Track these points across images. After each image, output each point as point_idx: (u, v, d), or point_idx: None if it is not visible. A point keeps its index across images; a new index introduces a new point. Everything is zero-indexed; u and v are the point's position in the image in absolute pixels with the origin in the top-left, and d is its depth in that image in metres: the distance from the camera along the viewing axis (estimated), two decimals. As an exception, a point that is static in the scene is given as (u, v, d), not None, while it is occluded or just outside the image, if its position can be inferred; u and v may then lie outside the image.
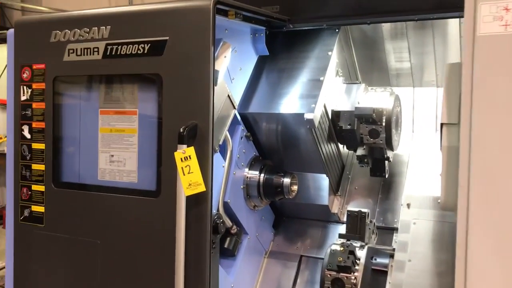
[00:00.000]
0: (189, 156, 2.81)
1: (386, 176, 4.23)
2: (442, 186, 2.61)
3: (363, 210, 3.40)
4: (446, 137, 2.59)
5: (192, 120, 2.94)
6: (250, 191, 3.93)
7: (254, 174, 3.95)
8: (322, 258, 4.14)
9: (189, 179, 2.80)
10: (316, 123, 3.67)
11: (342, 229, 4.32)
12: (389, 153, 4.09)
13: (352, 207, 4.33)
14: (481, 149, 2.29)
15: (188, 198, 2.85)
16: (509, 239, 2.28)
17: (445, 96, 2.65)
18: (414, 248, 2.82)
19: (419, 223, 2.93)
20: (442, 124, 2.62)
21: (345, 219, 4.31)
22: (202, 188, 2.83)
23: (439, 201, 2.66)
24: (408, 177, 4.44)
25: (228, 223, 3.73)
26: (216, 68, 3.09)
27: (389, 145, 3.95)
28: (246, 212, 3.97)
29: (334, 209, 4.30)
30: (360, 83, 4.18)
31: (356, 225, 3.34)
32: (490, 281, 2.30)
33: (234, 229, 3.80)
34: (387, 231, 4.17)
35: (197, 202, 2.88)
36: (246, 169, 3.94)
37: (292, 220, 4.55)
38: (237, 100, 3.80)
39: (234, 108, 3.71)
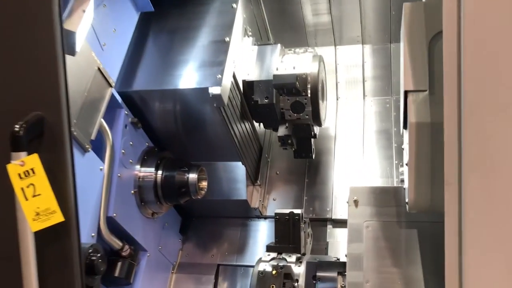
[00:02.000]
0: (32, 169, 1.77)
1: (313, 156, 3.46)
2: (410, 180, 1.84)
3: (296, 211, 2.59)
4: (414, 111, 1.82)
5: (34, 111, 1.87)
6: (145, 196, 2.96)
7: (148, 172, 2.97)
8: (245, 266, 3.36)
9: (35, 206, 1.77)
10: (225, 100, 2.76)
11: (265, 226, 3.53)
12: (316, 129, 3.30)
13: (276, 199, 3.56)
14: (477, 127, 1.52)
15: (39, 234, 1.82)
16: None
17: (407, 51, 1.85)
18: (372, 263, 2.08)
19: (374, 227, 2.18)
20: (406, 92, 1.83)
21: (267, 213, 3.53)
22: (58, 217, 1.81)
23: (406, 200, 1.89)
24: (337, 155, 3.71)
25: (117, 244, 2.75)
26: (68, 28, 2.04)
27: (316, 119, 3.16)
28: (141, 224, 3.00)
29: (254, 203, 3.48)
30: (274, 43, 3.30)
31: (288, 232, 2.53)
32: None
33: (126, 250, 2.82)
34: (320, 223, 3.44)
35: (54, 238, 1.86)
36: (137, 167, 2.95)
37: (204, 221, 3.66)
38: (114, 74, 2.77)
39: (110, 86, 2.68)
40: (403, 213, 2.22)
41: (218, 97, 2.71)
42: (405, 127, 1.92)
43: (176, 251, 3.51)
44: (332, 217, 3.40)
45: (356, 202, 2.30)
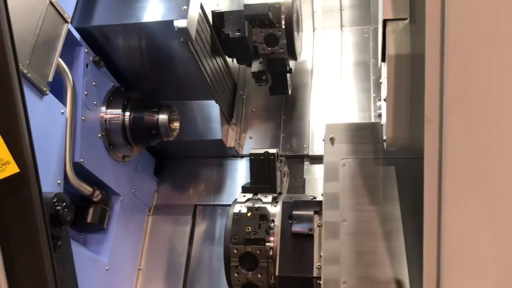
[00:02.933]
0: (-23, 116, 1.61)
1: (289, 92, 3.32)
2: (388, 116, 1.73)
3: (271, 150, 2.48)
4: (393, 41, 1.67)
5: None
6: (113, 139, 2.82)
7: (115, 114, 2.82)
8: (222, 205, 3.31)
9: (-15, 157, 1.63)
10: (193, 34, 2.56)
11: (242, 164, 3.46)
12: (291, 63, 3.14)
13: (253, 138, 3.45)
14: (462, 59, 1.39)
15: (-5, 188, 1.69)
16: (497, 190, 1.49)
17: (386, -25, 1.67)
18: (348, 202, 2.01)
19: (350, 164, 2.10)
20: (385, 21, 1.68)
21: (244, 151, 3.44)
22: (13, 168, 1.67)
23: (384, 137, 1.80)
24: (314, 90, 3.58)
25: (87, 190, 2.64)
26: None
27: (292, 53, 2.99)
28: (112, 168, 2.88)
29: (230, 142, 3.37)
30: (244, -30, 3.05)
31: (264, 172, 2.44)
32: (472, 246, 1.54)
33: (97, 196, 2.72)
34: (297, 160, 3.37)
35: (11, 191, 1.73)
36: (103, 109, 2.79)
37: (179, 162, 3.56)
38: (69, 8, 2.53)
39: (66, 21, 2.46)
40: (381, 150, 2.13)
41: (184, 31, 2.52)
42: (383, 59, 1.78)
43: (151, 193, 3.43)
44: (309, 154, 3.33)
45: (332, 140, 2.20)
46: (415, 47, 1.66)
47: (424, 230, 1.55)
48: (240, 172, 3.43)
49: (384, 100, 1.75)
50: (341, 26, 3.75)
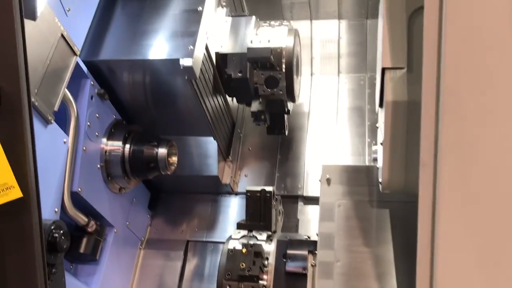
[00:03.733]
0: (-13, 141, 1.66)
1: (286, 133, 3.41)
2: (384, 160, 1.80)
3: (267, 188, 2.53)
4: (390, 89, 1.76)
5: (-12, 79, 1.75)
6: (112, 170, 2.85)
7: (116, 146, 2.87)
8: (214, 242, 3.32)
9: (-9, 181, 1.66)
10: (197, 72, 2.65)
11: (236, 202, 3.49)
12: (289, 105, 3.24)
13: (248, 176, 3.50)
14: (456, 107, 1.48)
15: (-4, 211, 1.72)
16: (491, 234, 1.55)
17: (386, 26, 1.79)
18: (342, 243, 2.05)
19: (345, 206, 2.15)
20: (383, 70, 1.77)
21: (239, 189, 3.48)
22: (16, 193, 1.71)
23: (380, 180, 1.86)
24: (310, 132, 3.67)
25: (82, 220, 2.65)
26: (27, -11, 1.90)
27: (290, 95, 3.09)
28: (108, 199, 2.90)
29: (226, 179, 3.42)
30: (248, 15, 3.19)
31: (259, 210, 2.48)
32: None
33: (92, 226, 2.73)
34: (291, 200, 3.41)
35: (12, 215, 1.76)
36: (104, 140, 2.84)
37: (174, 196, 3.59)
38: (79, 42, 2.62)
39: (75, 54, 2.54)
40: (376, 193, 2.19)
41: (189, 69, 2.61)
42: (381, 105, 1.87)
43: (144, 226, 3.44)
44: (304, 194, 3.37)
45: (328, 181, 2.26)
46: (412, 95, 1.75)
47: (417, 274, 1.59)
48: (233, 209, 3.46)
49: (381, 144, 1.82)
50: (338, 72, 3.89)
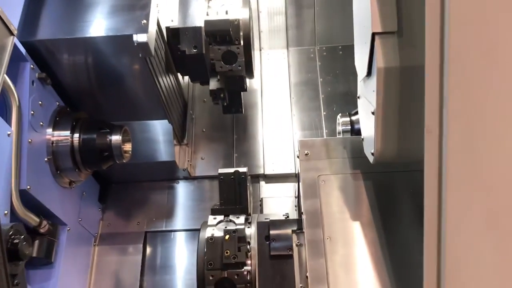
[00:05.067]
0: None
1: (243, 111, 3.27)
2: (377, 129, 1.73)
3: (241, 169, 2.39)
4: (382, 54, 1.68)
5: None
6: (61, 163, 2.57)
7: (63, 135, 2.58)
8: (176, 231, 3.14)
9: None
10: (152, 49, 2.43)
11: (194, 186, 3.32)
12: (247, 82, 3.10)
13: (205, 158, 3.34)
14: (463, 68, 1.42)
15: None
16: (499, 200, 1.53)
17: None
18: (331, 219, 1.97)
19: (329, 181, 2.07)
20: (373, 34, 1.69)
21: (196, 173, 3.31)
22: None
23: (372, 151, 1.79)
24: (265, 109, 3.56)
25: (33, 220, 2.37)
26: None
27: (249, 71, 2.95)
28: (58, 195, 2.62)
29: (183, 164, 3.23)
30: (197, -14, 2.98)
31: (234, 192, 2.34)
32: (473, 255, 1.56)
33: (45, 226, 2.45)
34: (252, 179, 3.29)
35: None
36: (49, 130, 2.54)
37: (125, 186, 3.34)
38: (15, 20, 2.29)
39: (12, 33, 2.21)
40: (358, 165, 2.13)
41: (144, 46, 2.38)
42: (369, 74, 1.79)
43: (96, 221, 3.17)
44: (265, 173, 3.27)
45: (307, 156, 2.17)
46: (404, 59, 1.69)
47: (425, 241, 1.54)
48: (193, 194, 3.29)
49: (372, 113, 1.75)
50: (287, 46, 3.79)
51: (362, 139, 1.98)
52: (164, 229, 3.18)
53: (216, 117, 3.46)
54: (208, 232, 2.19)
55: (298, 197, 2.50)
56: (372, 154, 1.80)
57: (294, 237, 2.14)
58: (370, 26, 1.70)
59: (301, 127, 3.44)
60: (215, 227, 2.22)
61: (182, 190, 3.29)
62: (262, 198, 3.18)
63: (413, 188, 2.04)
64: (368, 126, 1.87)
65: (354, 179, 2.11)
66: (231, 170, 2.40)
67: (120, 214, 3.25)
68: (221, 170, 2.43)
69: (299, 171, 2.17)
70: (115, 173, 3.24)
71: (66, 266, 2.68)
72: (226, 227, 2.22)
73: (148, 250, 3.14)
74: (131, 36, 2.35)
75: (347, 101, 3.46)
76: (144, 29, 2.38)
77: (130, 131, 2.90)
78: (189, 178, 3.31)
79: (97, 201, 3.20)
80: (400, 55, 1.69)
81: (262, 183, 3.27)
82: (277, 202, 3.16)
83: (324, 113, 3.46)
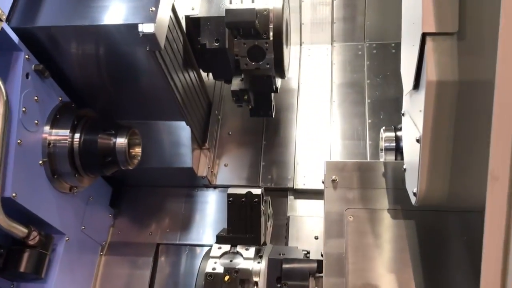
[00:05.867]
0: None
1: (273, 114, 2.86)
2: (422, 163, 1.28)
3: (254, 191, 1.99)
4: (435, 62, 1.22)
5: None
6: (58, 166, 2.29)
7: (62, 135, 2.29)
8: (190, 245, 2.81)
9: None
10: (162, 41, 2.08)
11: (214, 197, 2.96)
12: (277, 82, 2.69)
13: (228, 165, 2.97)
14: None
15: None
16: None
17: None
18: (356, 266, 1.55)
19: (358, 216, 1.64)
20: (424, 36, 1.23)
21: (218, 181, 2.95)
22: None
23: (414, 191, 1.34)
24: (300, 112, 3.13)
25: (20, 231, 2.10)
26: None
27: (279, 69, 2.54)
28: (55, 202, 2.34)
29: (202, 171, 2.87)
30: (225, -30, 2.58)
31: (245, 218, 1.95)
32: None
33: (35, 238, 2.17)
34: (279, 193, 2.89)
35: None
36: (46, 129, 2.25)
37: (140, 191, 3.04)
38: (5, 5, 2.01)
39: (0, 19, 1.93)
40: (396, 198, 1.68)
41: (151, 37, 2.03)
42: (416, 86, 1.34)
43: (105, 228, 2.89)
44: (294, 187, 2.86)
45: (334, 183, 1.74)
46: (465, 71, 1.22)
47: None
48: (211, 205, 2.94)
49: (417, 141, 1.30)
50: (332, 41, 3.33)
51: (404, 169, 1.53)
52: (177, 242, 2.85)
53: (245, 119, 3.07)
54: (209, 266, 1.82)
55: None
56: (415, 194, 1.35)
57: (312, 282, 1.73)
58: (420, 23, 1.25)
59: (341, 136, 2.99)
60: (218, 260, 1.85)
61: (201, 200, 2.94)
62: (289, 216, 2.77)
63: (467, 235, 1.57)
64: (412, 154, 1.42)
65: (392, 217, 1.66)
66: (243, 191, 2.00)
67: (133, 221, 2.95)
68: (231, 190, 2.04)
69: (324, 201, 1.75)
70: (130, 176, 2.93)
71: (62, 280, 2.41)
72: (231, 261, 1.84)
73: (159, 264, 2.82)
74: (136, 25, 2.00)
75: (397, 109, 2.95)
76: (151, 18, 2.03)
77: (146, 132, 2.58)
78: (209, 186, 2.95)
79: (107, 206, 2.91)
80: (460, 65, 1.23)
81: (291, 198, 2.86)
82: (307, 222, 2.75)
83: (369, 121, 2.98)
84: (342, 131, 3.02)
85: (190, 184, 2.97)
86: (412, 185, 1.39)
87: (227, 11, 2.24)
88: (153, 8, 2.04)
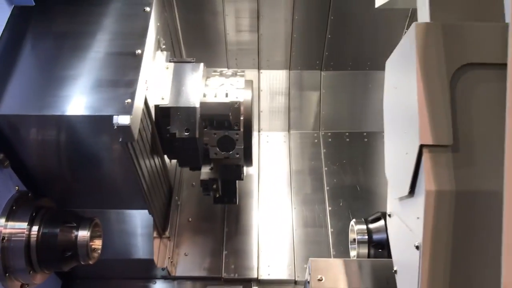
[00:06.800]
0: None
1: (237, 201, 2.83)
2: (423, 271, 1.31)
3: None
4: (434, 173, 1.28)
5: None
6: (12, 262, 2.08)
7: (18, 228, 2.11)
8: None
9: None
10: (136, 133, 2.03)
11: (173, 288, 2.80)
12: (244, 170, 2.69)
13: (188, 255, 2.86)
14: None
15: None
16: None
17: (422, 90, 1.33)
18: None
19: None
20: (421, 147, 1.30)
21: (177, 272, 2.82)
22: None
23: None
24: (262, 199, 3.13)
25: None
26: None
27: (248, 159, 2.55)
28: (3, 304, 2.10)
29: (162, 262, 2.73)
30: (194, 61, 2.63)
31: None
32: None
33: None
34: (243, 284, 2.80)
35: None
36: (1, 221, 2.07)
37: (92, 284, 2.82)
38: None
39: (-37, 107, 1.82)
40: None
41: (126, 130, 1.97)
42: (411, 192, 1.39)
43: (54, 329, 2.62)
44: (259, 278, 2.78)
45: (321, 283, 1.71)
46: (461, 182, 1.29)
47: None
48: (171, 299, 2.78)
49: (416, 247, 1.33)
50: (289, 128, 3.43)
51: (395, 271, 1.55)
52: None
53: (206, 204, 3.02)
54: None
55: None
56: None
57: None
58: (416, 134, 1.32)
59: (303, 223, 3.00)
60: None
61: (160, 292, 2.78)
62: (255, 310, 2.68)
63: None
64: (406, 259, 1.44)
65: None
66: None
67: (82, 319, 2.71)
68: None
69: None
70: (81, 268, 2.72)
71: None
72: None
73: None
74: (110, 117, 1.95)
75: (355, 197, 3.06)
76: (127, 110, 1.99)
77: (102, 220, 2.44)
78: (168, 277, 2.80)
79: (55, 302, 2.67)
80: (456, 175, 1.29)
81: (253, 291, 2.78)
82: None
83: (330, 208, 3.03)
84: (303, 218, 3.04)
85: (148, 275, 2.80)
86: (408, 289, 1.40)
87: (203, 104, 2.26)
88: (129, 100, 2.00)
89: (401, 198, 1.48)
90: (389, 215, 1.63)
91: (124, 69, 2.15)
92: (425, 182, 1.29)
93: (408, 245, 1.40)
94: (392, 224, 1.61)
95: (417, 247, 1.33)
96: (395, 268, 1.55)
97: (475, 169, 1.30)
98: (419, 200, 1.33)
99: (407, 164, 1.38)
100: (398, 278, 1.52)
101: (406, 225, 1.44)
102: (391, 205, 1.60)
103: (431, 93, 1.32)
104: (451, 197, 1.28)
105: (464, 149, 1.31)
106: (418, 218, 1.33)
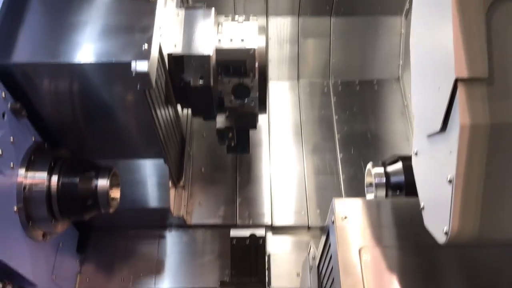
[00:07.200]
0: None
1: (249, 151, 2.84)
2: (455, 202, 1.32)
3: (258, 232, 1.95)
4: (468, 107, 1.28)
5: None
6: (34, 212, 2.10)
7: (39, 178, 2.12)
8: (167, 291, 2.66)
9: None
10: (153, 80, 2.00)
11: (189, 236, 2.86)
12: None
13: (202, 204, 2.89)
14: None
15: None
16: None
17: (457, 24, 1.31)
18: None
19: (375, 257, 1.64)
20: (456, 81, 1.29)
21: (193, 220, 2.85)
22: None
23: (445, 229, 1.38)
24: (273, 148, 3.14)
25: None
26: None
27: (263, 107, 2.54)
28: (29, 251, 2.14)
29: (178, 211, 2.77)
30: (204, 7, 2.56)
31: (249, 262, 1.88)
32: None
33: (8, 294, 1.96)
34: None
35: None
36: (22, 172, 2.07)
37: (109, 234, 2.86)
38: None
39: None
40: (409, 235, 1.72)
41: (144, 76, 1.95)
42: (443, 128, 1.39)
43: (73, 275, 2.67)
44: (273, 224, 2.83)
45: (345, 220, 1.74)
46: (496, 115, 1.29)
47: None
48: (188, 246, 2.82)
49: (449, 181, 1.34)
50: (298, 77, 3.40)
51: (422, 208, 1.57)
52: (153, 287, 2.70)
53: (217, 154, 3.03)
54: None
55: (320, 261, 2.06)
56: (446, 233, 1.38)
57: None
58: (450, 68, 1.31)
59: (314, 171, 3.03)
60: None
61: (176, 240, 2.83)
62: (269, 254, 2.73)
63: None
64: (435, 194, 1.46)
65: (411, 255, 1.68)
66: (246, 233, 1.95)
67: (102, 267, 2.76)
68: (233, 233, 1.98)
69: (330, 242, 1.74)
70: (97, 219, 2.74)
71: (32, 337, 2.18)
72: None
73: (135, 313, 2.65)
74: (129, 64, 1.92)
75: (366, 144, 3.08)
76: (145, 56, 1.95)
77: (121, 171, 2.45)
78: (183, 226, 2.84)
79: (75, 252, 2.71)
80: (491, 109, 1.29)
81: (269, 235, 2.82)
82: (287, 259, 2.71)
83: (341, 155, 3.05)
84: (315, 166, 3.06)
85: (163, 224, 2.85)
86: (439, 225, 1.42)
87: (219, 50, 2.22)
88: (147, 46, 1.97)
89: (430, 135, 1.49)
90: (416, 154, 1.64)
91: (138, 14, 2.10)
92: (460, 116, 1.29)
93: (438, 180, 1.42)
94: (419, 162, 1.62)
95: (450, 181, 1.35)
96: (422, 205, 1.57)
97: (510, 102, 1.29)
98: (452, 135, 1.34)
99: (440, 99, 1.38)
100: (426, 214, 1.54)
101: (436, 161, 1.45)
102: (419, 143, 1.60)
103: (467, 26, 1.30)
104: (485, 130, 1.29)
105: (499, 82, 1.30)
106: (451, 152, 1.34)
